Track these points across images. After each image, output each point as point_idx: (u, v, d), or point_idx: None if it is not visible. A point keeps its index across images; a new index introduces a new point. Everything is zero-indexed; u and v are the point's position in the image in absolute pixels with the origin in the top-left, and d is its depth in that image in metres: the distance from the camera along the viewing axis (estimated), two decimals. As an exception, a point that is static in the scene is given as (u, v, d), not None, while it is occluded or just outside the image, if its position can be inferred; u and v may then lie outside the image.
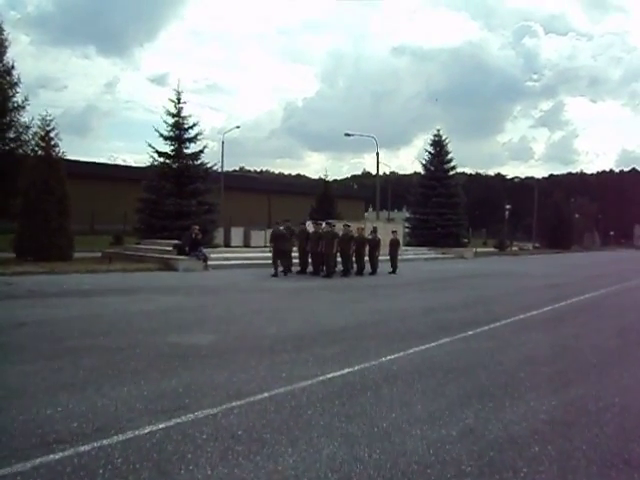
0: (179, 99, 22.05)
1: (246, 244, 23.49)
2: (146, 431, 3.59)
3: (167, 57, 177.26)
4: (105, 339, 6.30)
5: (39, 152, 16.69)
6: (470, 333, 7.58)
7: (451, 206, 35.33)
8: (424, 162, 37.25)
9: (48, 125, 17.06)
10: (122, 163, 61.50)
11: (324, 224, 17.03)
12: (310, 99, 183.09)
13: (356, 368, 5.42)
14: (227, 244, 22.80)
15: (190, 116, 22.30)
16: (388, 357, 5.94)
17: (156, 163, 22.02)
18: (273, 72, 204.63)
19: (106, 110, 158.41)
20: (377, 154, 34.05)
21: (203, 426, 3.70)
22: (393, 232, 20.12)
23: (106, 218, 35.37)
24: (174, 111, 22.05)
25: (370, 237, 17.99)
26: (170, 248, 17.80)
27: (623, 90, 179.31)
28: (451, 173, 36.94)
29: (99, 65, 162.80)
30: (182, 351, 5.83)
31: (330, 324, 7.87)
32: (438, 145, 36.94)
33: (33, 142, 17.19)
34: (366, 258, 17.51)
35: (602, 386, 5.11)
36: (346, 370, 5.33)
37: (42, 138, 16.88)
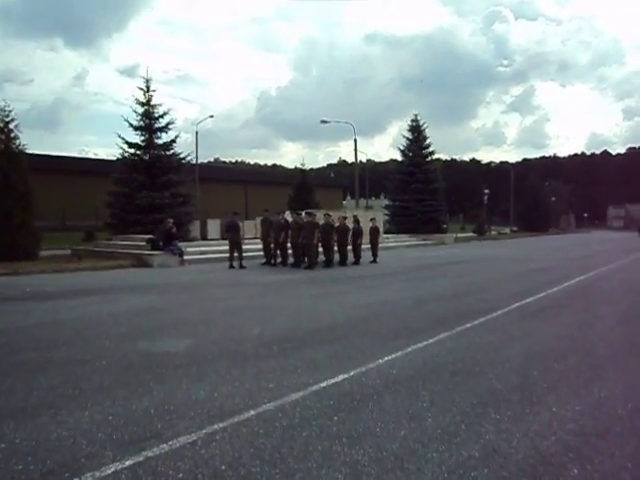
0: (148, 87, 21.13)
1: (224, 237, 22.67)
2: (109, 471, 2.95)
3: (137, 48, 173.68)
4: (66, 350, 5.59)
5: (-1, 146, 15.59)
6: (468, 326, 7.08)
7: (430, 192, 35.03)
8: (402, 148, 36.85)
9: (7, 116, 15.96)
10: (93, 157, 59.58)
11: (304, 214, 16.37)
12: (284, 88, 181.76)
13: (352, 373, 4.84)
14: (204, 237, 22.02)
15: (160, 105, 21.45)
16: (385, 358, 5.38)
17: (126, 155, 21.01)
18: (246, 61, 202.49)
19: (75, 103, 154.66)
20: (355, 141, 33.64)
21: (179, 460, 3.07)
22: (372, 220, 19.56)
23: (77, 214, 34.15)
24: (143, 100, 21.06)
25: (352, 226, 17.42)
26: (143, 243, 16.96)
27: (591, 74, 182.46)
28: (430, 159, 36.56)
29: (66, 57, 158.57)
30: (154, 361, 5.17)
31: (318, 322, 7.27)
32: (416, 131, 36.52)
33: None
34: (349, 247, 16.98)
35: (624, 384, 4.64)
36: (341, 377, 4.74)
37: (1, 130, 15.76)
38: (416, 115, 36.96)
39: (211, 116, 52.76)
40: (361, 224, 17.96)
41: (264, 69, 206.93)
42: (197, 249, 18.34)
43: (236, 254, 15.20)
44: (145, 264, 15.30)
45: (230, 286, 11.10)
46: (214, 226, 22.81)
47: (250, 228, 23.17)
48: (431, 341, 6.18)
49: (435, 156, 37.64)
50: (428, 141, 36.54)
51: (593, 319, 7.73)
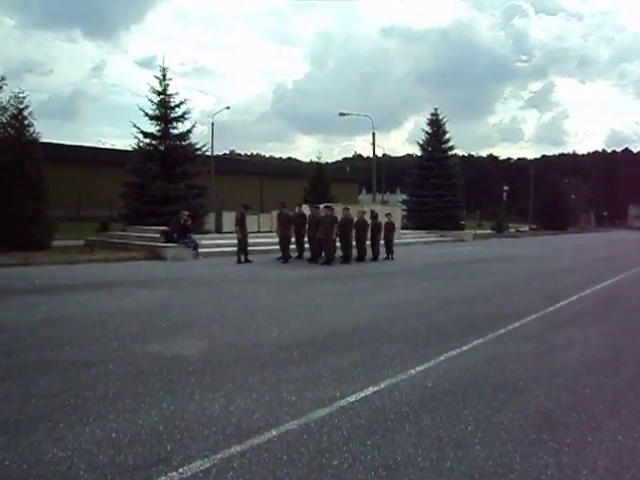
0: (164, 76, 20.74)
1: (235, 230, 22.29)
2: (108, 506, 2.51)
3: (154, 40, 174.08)
4: (71, 350, 5.18)
5: (11, 132, 15.27)
6: (502, 332, 6.56)
7: (449, 188, 34.32)
8: (421, 142, 36.13)
9: (21, 103, 15.65)
10: (109, 147, 59.52)
11: (322, 207, 15.88)
12: (300, 81, 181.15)
13: (382, 386, 4.36)
14: (219, 230, 21.62)
15: (177, 94, 20.96)
16: (417, 368, 4.89)
17: (141, 144, 20.66)
18: (262, 54, 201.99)
19: (93, 94, 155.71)
20: (373, 134, 32.87)
21: (190, 494, 2.63)
22: (387, 215, 18.98)
23: (93, 204, 34.07)
24: (160, 89, 20.67)
25: (371, 221, 16.90)
26: (157, 235, 16.61)
27: (612, 70, 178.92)
28: (449, 154, 35.78)
29: (84, 49, 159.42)
30: (165, 366, 4.73)
31: (340, 323, 6.80)
32: (435, 125, 35.77)
33: (4, 121, 15.70)
34: (367, 243, 16.46)
35: (693, 407, 4.09)
36: (371, 389, 4.27)
37: (14, 117, 15.46)
38: (436, 109, 36.22)
39: (228, 107, 52.64)
40: (380, 219, 17.44)
41: (280, 62, 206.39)
42: (212, 242, 17.96)
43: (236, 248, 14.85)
44: (159, 256, 14.95)
45: (246, 282, 10.66)
46: (229, 219, 22.34)
47: (266, 221, 22.77)
48: (465, 349, 5.67)
49: (453, 151, 36.78)
50: (447, 135, 35.80)
51: (638, 327, 7.15)
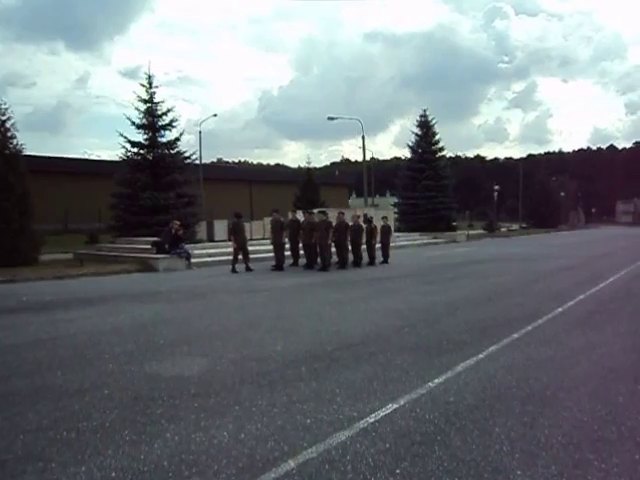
0: (150, 83, 20.30)
1: (229, 239, 21.91)
2: None
3: (138, 50, 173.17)
4: (63, 375, 4.79)
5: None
6: (515, 336, 6.28)
7: (440, 189, 34.18)
8: (411, 144, 35.94)
9: (3, 115, 15.19)
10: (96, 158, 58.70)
11: (316, 212, 15.57)
12: (285, 88, 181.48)
13: (402, 402, 4.05)
14: (210, 239, 21.23)
15: (163, 101, 20.57)
16: (435, 381, 4.58)
17: (129, 154, 20.22)
18: (246, 62, 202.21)
19: (78, 106, 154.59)
20: (363, 137, 32.82)
21: None
22: (383, 218, 18.73)
23: (81, 216, 33.39)
24: (146, 97, 20.27)
25: (366, 225, 16.61)
26: (149, 246, 16.19)
27: (593, 69, 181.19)
28: (439, 155, 35.66)
29: (68, 60, 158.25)
30: (165, 389, 4.38)
31: (346, 334, 6.47)
32: (424, 126, 35.63)
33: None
34: (363, 247, 16.17)
35: None
36: (390, 406, 3.95)
37: (-4, 129, 14.99)
38: (425, 110, 36.09)
39: (215, 115, 52.05)
40: (375, 223, 17.17)
41: (265, 69, 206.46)
42: (204, 251, 17.58)
43: (240, 257, 14.46)
44: (150, 268, 14.54)
45: (243, 292, 10.30)
46: (221, 227, 22.01)
47: (258, 228, 22.41)
48: (481, 356, 5.38)
49: (443, 152, 36.64)
50: (437, 137, 35.68)
51: (654, 326, 6.90)
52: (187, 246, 16.10)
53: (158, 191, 19.23)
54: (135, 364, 5.13)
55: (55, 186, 35.33)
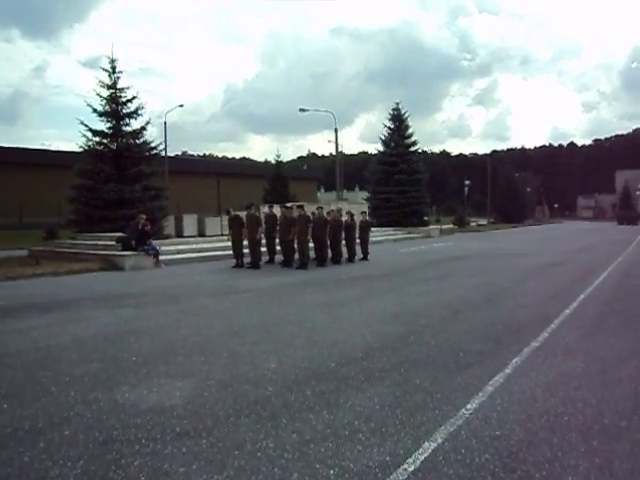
0: (114, 68, 18.92)
1: (201, 233, 20.86)
2: None
3: (99, 39, 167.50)
4: (10, 409, 3.83)
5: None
6: (535, 345, 5.65)
7: (413, 183, 33.75)
8: (383, 138, 35.35)
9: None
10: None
11: (295, 207, 14.72)
12: (250, 81, 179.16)
13: (439, 439, 3.31)
14: (179, 234, 20.08)
15: (129, 88, 19.22)
16: (468, 406, 3.87)
17: (90, 144, 18.83)
18: (211, 54, 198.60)
19: (35, 96, 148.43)
20: (335, 130, 31.94)
21: None
22: (362, 213, 18.05)
23: (37, 210, 31.51)
24: (109, 82, 18.91)
25: (345, 220, 15.87)
26: (113, 242, 14.99)
27: (552, 68, 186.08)
28: (412, 149, 35.20)
29: (23, 48, 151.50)
30: (143, 426, 3.50)
31: (346, 345, 5.69)
32: (397, 120, 35.10)
33: None
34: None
35: None
36: (427, 446, 3.21)
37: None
38: (397, 104, 35.50)
39: (181, 105, 49.67)
40: (355, 218, 16.46)
41: (230, 62, 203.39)
42: (173, 248, 16.46)
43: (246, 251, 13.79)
44: (115, 267, 13.40)
45: (221, 294, 9.37)
46: (190, 221, 20.91)
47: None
48: (508, 372, 4.70)
49: (417, 147, 36.16)
50: (410, 130, 35.19)
51: (677, 331, 6.39)
52: (155, 242, 15.00)
53: (123, 183, 17.97)
54: (102, 390, 4.21)
55: (9, 178, 33.35)
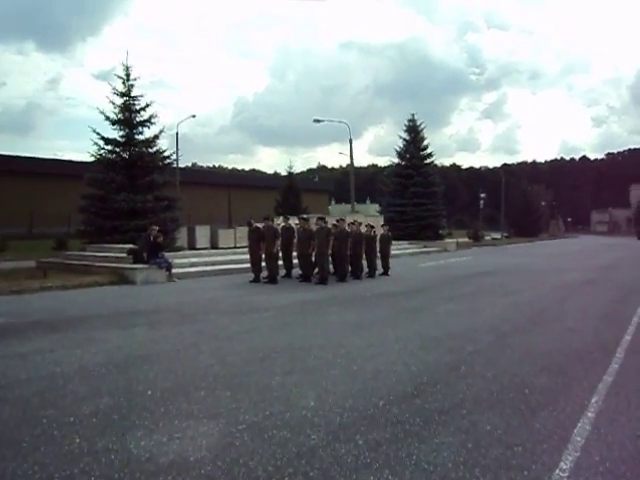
0: (128, 75, 18.47)
1: (213, 245, 20.23)
2: None
3: (111, 53, 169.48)
4: (1, 462, 3.16)
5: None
6: (609, 380, 4.95)
7: (429, 196, 32.99)
8: (398, 149, 34.70)
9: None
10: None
11: (316, 219, 14.07)
12: (260, 94, 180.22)
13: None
14: (192, 246, 19.46)
15: (142, 96, 18.74)
16: (561, 464, 3.16)
17: (102, 152, 18.32)
18: (222, 68, 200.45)
19: (49, 108, 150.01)
20: (350, 140, 31.26)
21: None
22: (383, 226, 17.40)
23: (48, 220, 31.06)
24: (123, 89, 18.45)
25: (366, 233, 15.18)
26: (124, 255, 14.40)
27: (561, 82, 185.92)
28: (428, 161, 34.52)
29: (37, 61, 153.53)
30: (165, 491, 2.80)
31: (390, 376, 4.96)
32: (413, 131, 34.48)
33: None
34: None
35: None
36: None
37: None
38: (413, 115, 34.92)
39: (193, 116, 49.63)
40: (375, 231, 15.77)
41: (240, 75, 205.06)
42: (186, 260, 15.83)
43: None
44: (126, 280, 12.77)
45: (240, 312, 8.67)
46: (203, 233, 20.30)
47: (243, 236, 20.71)
48: (591, 415, 3.99)
49: (432, 159, 35.47)
50: (426, 142, 34.54)
51: None
52: (167, 255, 14.37)
53: (135, 193, 17.41)
54: (113, 435, 3.52)
55: (20, 187, 33.00)
